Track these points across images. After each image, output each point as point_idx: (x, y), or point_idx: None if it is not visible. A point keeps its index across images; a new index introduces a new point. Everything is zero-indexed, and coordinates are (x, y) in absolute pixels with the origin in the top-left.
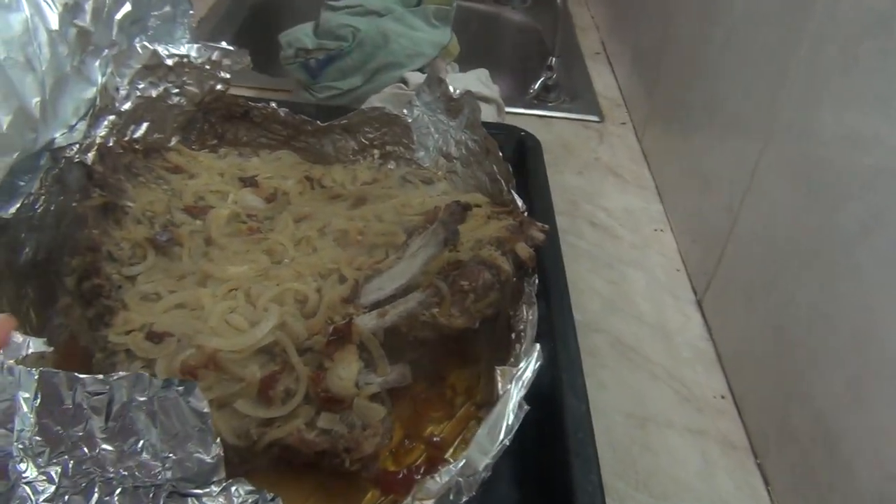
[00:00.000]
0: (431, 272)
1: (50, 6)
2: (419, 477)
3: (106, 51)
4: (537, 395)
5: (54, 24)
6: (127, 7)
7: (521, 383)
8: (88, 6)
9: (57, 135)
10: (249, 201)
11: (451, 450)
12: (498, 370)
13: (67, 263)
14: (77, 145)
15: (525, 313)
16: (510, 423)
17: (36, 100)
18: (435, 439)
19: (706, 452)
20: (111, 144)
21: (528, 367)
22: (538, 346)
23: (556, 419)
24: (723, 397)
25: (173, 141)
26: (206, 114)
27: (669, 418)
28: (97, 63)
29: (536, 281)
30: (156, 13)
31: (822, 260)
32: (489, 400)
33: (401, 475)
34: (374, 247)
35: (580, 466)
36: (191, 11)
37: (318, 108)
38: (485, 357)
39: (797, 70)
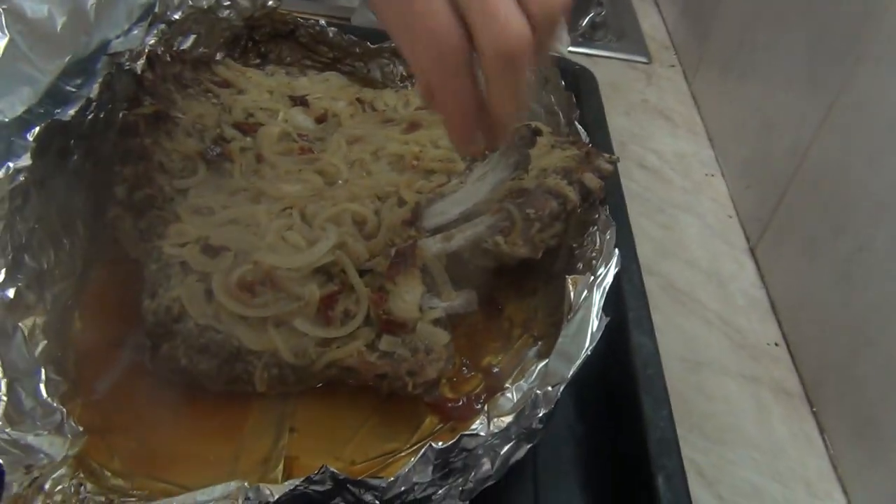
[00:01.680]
0: (496, 199)
1: None
2: (478, 406)
3: None
4: (605, 333)
5: None
6: None
7: (602, 289)
8: None
9: (111, 36)
10: (300, 121)
11: (509, 380)
12: (569, 279)
13: (118, 172)
14: (128, 52)
15: (601, 236)
16: (594, 330)
17: (91, 2)
18: (494, 370)
19: (760, 399)
20: (160, 53)
21: (608, 273)
22: (617, 251)
23: (623, 356)
24: (776, 345)
25: (218, 56)
26: (252, 30)
27: (723, 364)
28: None
29: (608, 209)
30: None
31: None
32: (549, 329)
33: (460, 402)
34: (431, 172)
35: (651, 403)
36: None
37: (365, 31)
38: (542, 289)
39: (882, 12)
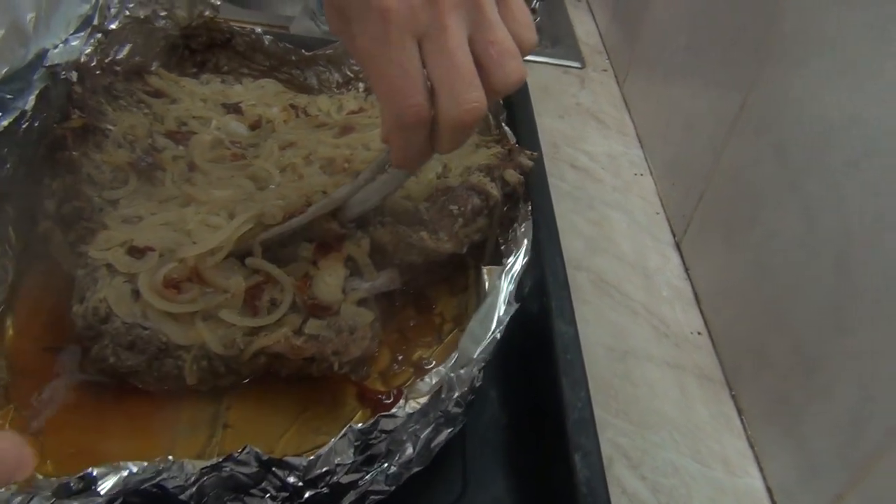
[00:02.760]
0: (418, 198)
1: None
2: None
3: None
4: (525, 323)
5: None
6: None
7: (510, 277)
8: None
9: (49, 47)
10: (233, 128)
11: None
12: (484, 269)
13: (47, 186)
14: (65, 63)
15: (518, 229)
16: (501, 314)
17: (31, 15)
18: (425, 364)
19: (683, 385)
20: (91, 65)
21: (517, 262)
22: (526, 241)
23: (544, 343)
24: (699, 333)
25: (154, 66)
26: (188, 39)
27: (648, 352)
28: None
29: (531, 206)
30: None
31: (805, 193)
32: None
33: (390, 397)
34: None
35: (569, 385)
36: None
37: (301, 39)
38: (472, 285)
39: (784, 12)
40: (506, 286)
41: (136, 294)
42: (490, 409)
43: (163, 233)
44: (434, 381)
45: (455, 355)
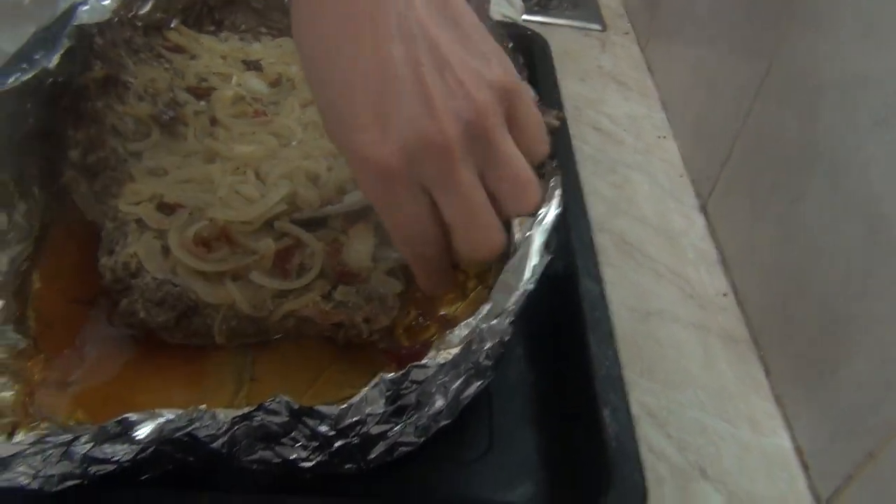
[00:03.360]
0: None
1: None
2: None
3: None
4: (552, 279)
5: None
6: None
7: (542, 228)
8: None
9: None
10: (253, 85)
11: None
12: (515, 221)
13: (72, 136)
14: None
15: (548, 181)
16: (535, 265)
17: None
18: (448, 319)
19: (708, 345)
20: (113, 20)
21: (549, 213)
22: (558, 193)
23: (571, 302)
24: (724, 295)
25: (174, 23)
26: None
27: (673, 313)
28: None
29: (556, 162)
30: None
31: (832, 154)
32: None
33: (416, 349)
34: None
35: (597, 341)
36: None
37: None
38: None
39: None
40: (539, 237)
41: (166, 251)
42: (516, 365)
43: (190, 190)
44: (465, 333)
45: (486, 307)
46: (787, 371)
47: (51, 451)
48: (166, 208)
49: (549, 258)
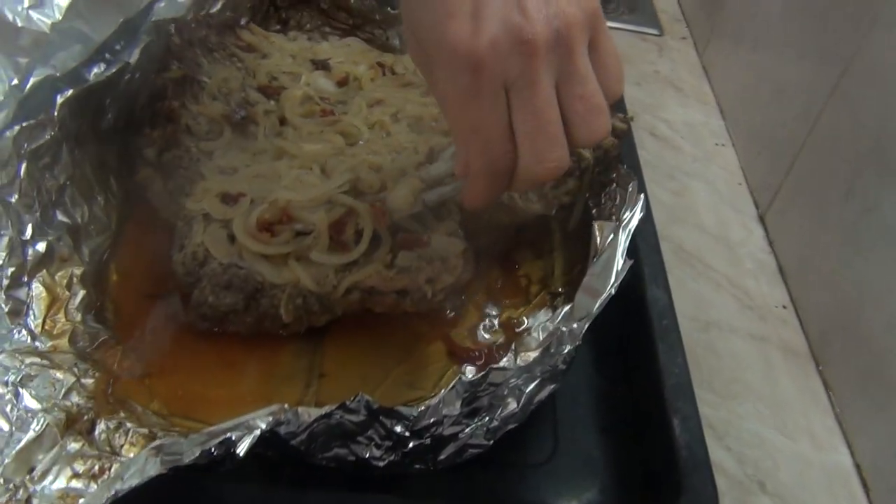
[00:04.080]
0: None
1: None
2: (499, 356)
3: None
4: (621, 287)
5: None
6: None
7: (627, 231)
8: None
9: None
10: (322, 84)
11: (528, 334)
12: (595, 224)
13: (147, 135)
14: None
15: (620, 193)
16: (619, 268)
17: None
18: (512, 323)
19: (768, 357)
20: (188, 18)
21: (634, 217)
22: (643, 195)
23: (639, 309)
24: (784, 307)
25: (243, 21)
26: None
27: (732, 324)
28: None
29: (625, 166)
30: None
31: None
32: (566, 286)
33: (481, 356)
34: (449, 132)
35: (666, 351)
36: None
37: None
38: (558, 248)
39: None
40: (623, 240)
41: (232, 238)
42: (582, 370)
43: (255, 183)
44: (542, 337)
45: (565, 309)
46: (849, 387)
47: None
48: (230, 199)
49: (632, 262)
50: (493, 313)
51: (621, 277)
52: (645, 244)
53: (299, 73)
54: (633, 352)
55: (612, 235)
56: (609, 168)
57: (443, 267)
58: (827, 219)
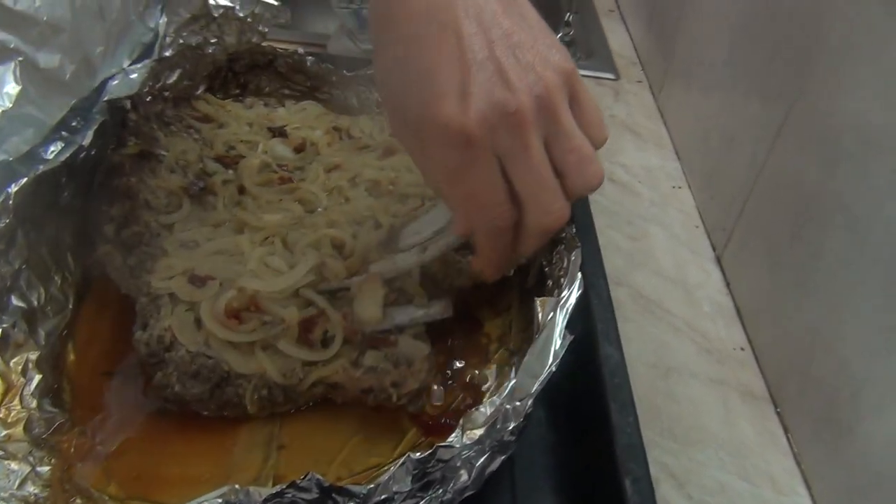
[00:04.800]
0: None
1: None
2: (460, 420)
3: None
4: (572, 344)
5: None
6: None
7: (565, 310)
8: None
9: (112, 72)
10: (279, 151)
11: (488, 394)
12: (537, 301)
13: (106, 212)
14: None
15: (567, 256)
16: (557, 348)
17: (100, 49)
18: (473, 384)
19: (727, 401)
20: (144, 91)
21: (571, 295)
22: (580, 274)
23: (591, 367)
24: (742, 349)
25: (200, 89)
26: (232, 62)
27: (691, 369)
28: (158, 7)
29: (574, 228)
30: None
31: (851, 212)
32: (523, 344)
33: (443, 420)
34: (406, 196)
35: (618, 409)
36: None
37: (341, 59)
38: (515, 307)
39: (831, 24)
40: (561, 319)
41: (199, 323)
42: (538, 431)
43: (221, 262)
44: (489, 412)
45: (509, 385)
46: (806, 429)
47: None
48: (197, 280)
49: (571, 338)
50: (455, 371)
51: (560, 356)
52: (598, 301)
53: (256, 141)
54: (586, 410)
55: (551, 313)
56: (562, 230)
57: (408, 371)
58: (777, 262)
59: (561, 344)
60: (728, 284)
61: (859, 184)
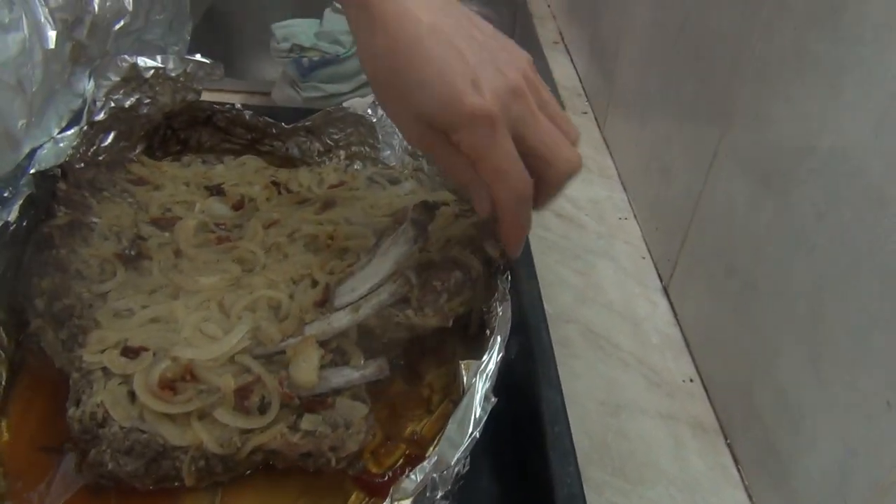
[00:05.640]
0: (401, 270)
1: (50, 23)
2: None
3: (97, 61)
4: (512, 387)
5: (51, 42)
6: (126, 18)
7: (485, 376)
8: (88, 20)
9: (40, 143)
10: (217, 210)
11: (431, 448)
12: (462, 364)
13: (36, 285)
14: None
15: (497, 309)
16: (478, 416)
17: (22, 122)
18: (415, 438)
19: (678, 436)
20: (73, 159)
21: (491, 360)
22: (499, 338)
23: (532, 412)
24: (691, 381)
25: (138, 149)
26: (170, 119)
27: (641, 404)
28: (86, 73)
29: (510, 277)
30: (157, 19)
31: (778, 243)
32: (459, 395)
33: (385, 477)
34: (344, 250)
35: (557, 459)
36: (189, 23)
37: (281, 109)
38: (459, 354)
39: (751, 56)
40: (481, 386)
41: (133, 396)
42: (483, 477)
43: (155, 331)
44: (419, 479)
45: (434, 457)
46: (754, 460)
47: None
48: (130, 352)
49: (495, 401)
50: (398, 427)
51: (482, 422)
52: (538, 344)
53: (194, 200)
54: (528, 459)
55: (474, 378)
56: (496, 273)
57: (346, 434)
58: (717, 292)
59: (482, 410)
60: (675, 315)
61: (785, 214)
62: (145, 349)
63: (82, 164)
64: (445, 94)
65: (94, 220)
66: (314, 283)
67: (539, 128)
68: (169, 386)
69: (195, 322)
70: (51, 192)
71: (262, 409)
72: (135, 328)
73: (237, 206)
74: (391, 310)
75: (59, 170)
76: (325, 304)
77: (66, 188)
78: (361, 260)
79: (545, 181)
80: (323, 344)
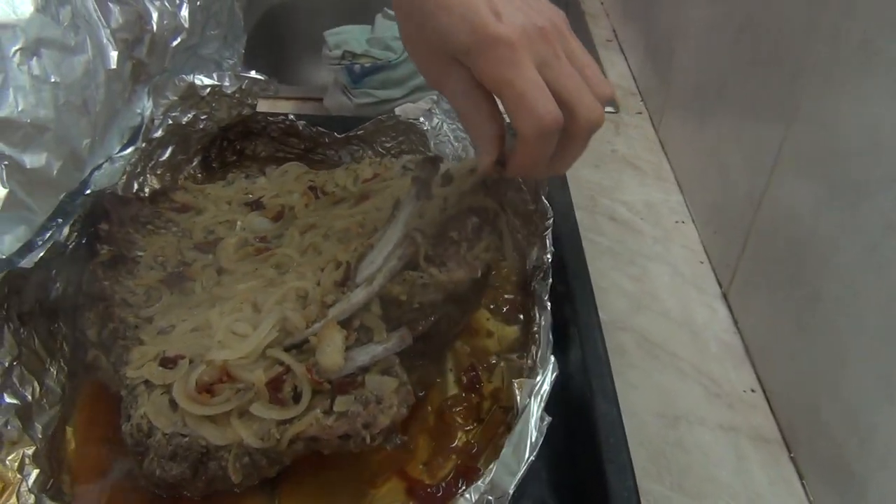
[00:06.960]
0: (426, 233)
1: (111, 43)
2: (458, 489)
3: (156, 78)
4: (568, 400)
5: (113, 62)
6: (183, 35)
7: (540, 397)
8: (147, 38)
9: (101, 161)
10: (257, 224)
11: (482, 457)
12: (515, 383)
13: (87, 318)
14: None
15: (538, 317)
16: (534, 439)
17: (86, 141)
18: (469, 449)
19: (739, 448)
20: (117, 195)
21: (545, 380)
22: (552, 358)
23: (587, 425)
24: (753, 391)
25: (195, 161)
26: (226, 131)
27: (700, 415)
28: (145, 91)
29: (549, 284)
30: (212, 34)
31: (845, 256)
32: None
33: (439, 492)
34: (373, 232)
35: (614, 472)
36: (243, 37)
37: (333, 118)
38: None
39: (816, 59)
40: (536, 409)
41: (174, 404)
42: (537, 488)
43: (192, 339)
44: (474, 500)
45: (488, 478)
46: (820, 476)
47: None
48: (168, 362)
49: (550, 420)
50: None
51: (538, 445)
52: (593, 356)
53: (235, 219)
54: (584, 468)
55: (528, 398)
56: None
57: (377, 409)
58: (780, 302)
59: (538, 432)
60: (735, 322)
61: (851, 226)
62: (182, 357)
63: (123, 204)
64: (468, 17)
65: (139, 253)
66: (338, 265)
67: (563, 71)
68: (207, 389)
69: (228, 324)
70: (94, 235)
71: (296, 398)
72: (175, 340)
73: (277, 217)
74: (411, 273)
75: (102, 210)
76: (345, 283)
77: (108, 228)
78: (378, 233)
79: (567, 134)
80: (347, 324)
